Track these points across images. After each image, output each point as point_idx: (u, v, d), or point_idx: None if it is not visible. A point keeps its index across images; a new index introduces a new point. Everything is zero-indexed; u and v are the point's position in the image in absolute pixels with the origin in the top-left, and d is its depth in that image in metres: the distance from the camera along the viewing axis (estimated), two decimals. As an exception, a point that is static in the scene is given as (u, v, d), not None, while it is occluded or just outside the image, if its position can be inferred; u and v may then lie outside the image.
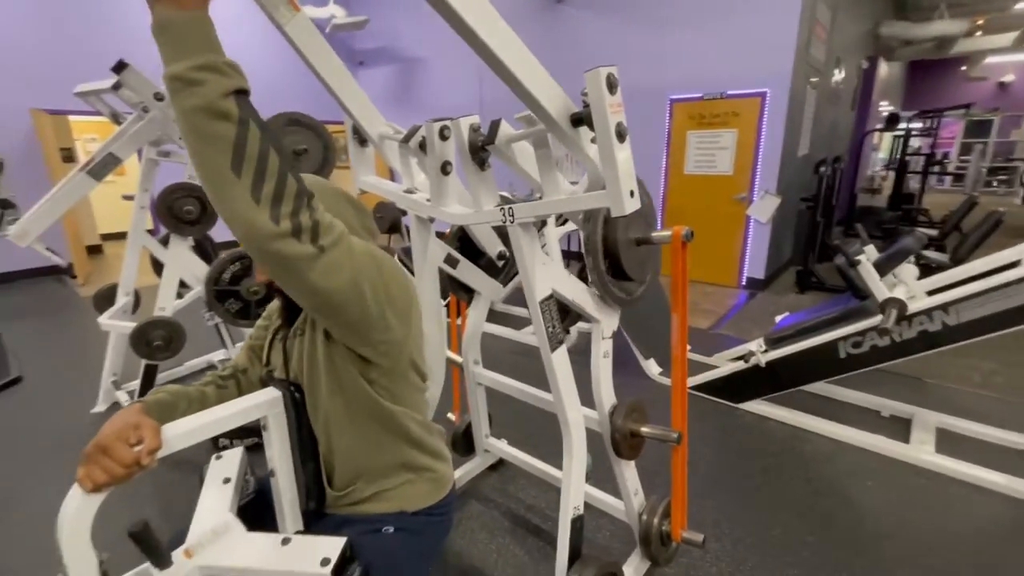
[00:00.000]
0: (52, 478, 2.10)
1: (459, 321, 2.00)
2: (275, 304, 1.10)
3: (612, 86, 0.88)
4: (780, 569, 1.65)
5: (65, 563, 0.68)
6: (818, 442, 2.34)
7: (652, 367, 2.99)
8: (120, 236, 2.64)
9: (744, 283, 4.91)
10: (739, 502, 1.96)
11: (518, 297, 1.29)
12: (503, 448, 1.98)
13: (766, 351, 2.47)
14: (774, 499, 1.98)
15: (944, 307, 2.06)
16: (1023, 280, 1.91)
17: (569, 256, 4.78)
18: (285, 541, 0.84)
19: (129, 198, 2.54)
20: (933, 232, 5.39)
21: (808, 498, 1.98)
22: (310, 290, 0.70)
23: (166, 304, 2.45)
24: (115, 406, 2.67)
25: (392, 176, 1.46)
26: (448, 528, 1.12)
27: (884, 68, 7.85)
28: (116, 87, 2.24)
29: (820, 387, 2.68)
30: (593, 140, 0.96)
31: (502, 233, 1.70)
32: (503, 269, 1.73)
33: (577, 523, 1.32)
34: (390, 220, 4.50)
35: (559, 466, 1.38)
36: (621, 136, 0.90)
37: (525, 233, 1.14)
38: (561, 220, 3.32)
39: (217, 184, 0.60)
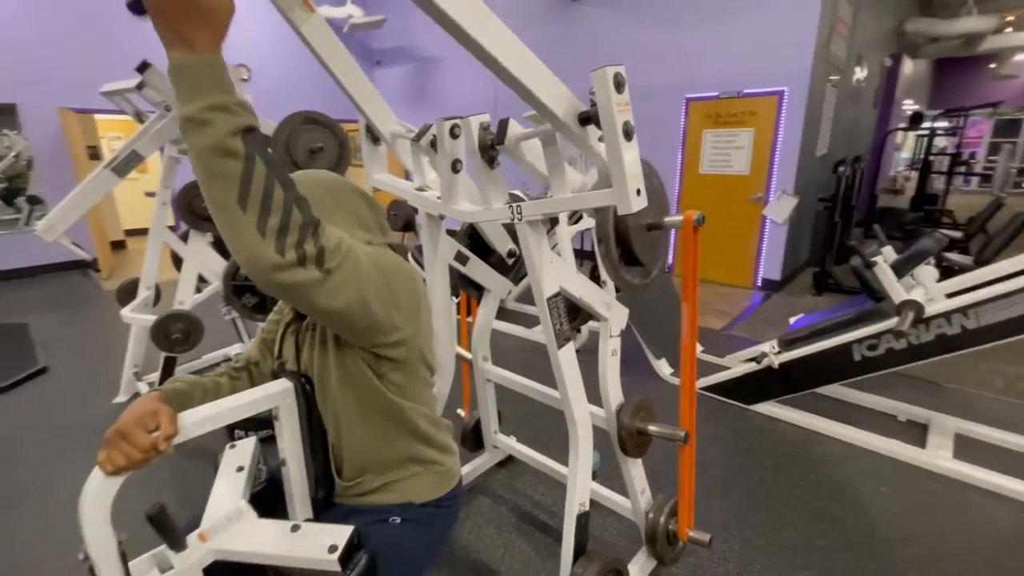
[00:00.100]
0: (76, 464, 2.18)
1: (470, 318, 2.02)
2: (288, 299, 1.13)
3: (619, 85, 0.88)
4: (789, 572, 1.64)
5: (86, 541, 0.71)
6: (831, 445, 2.31)
7: (663, 367, 2.98)
8: (143, 232, 2.71)
9: (759, 284, 4.85)
10: (749, 503, 1.95)
11: (530, 296, 1.30)
12: (512, 444, 2.00)
13: (779, 353, 2.45)
14: (784, 501, 1.96)
15: (963, 310, 2.01)
16: (1046, 283, 1.86)
17: (582, 256, 4.76)
18: (295, 528, 0.86)
19: (151, 195, 2.61)
20: (957, 234, 5.26)
21: (819, 501, 1.96)
22: (317, 310, 0.74)
23: (185, 298, 2.51)
24: (136, 397, 2.75)
25: (407, 175, 1.49)
26: (454, 520, 1.14)
27: (909, 66, 7.68)
28: (140, 87, 2.30)
29: (834, 390, 2.65)
30: (600, 139, 0.96)
31: (512, 231, 1.72)
32: (513, 267, 1.75)
33: (582, 519, 1.33)
34: (404, 218, 4.55)
35: (567, 463, 1.39)
36: (628, 135, 0.91)
37: (533, 231, 1.15)
38: (574, 219, 3.33)
39: (225, 217, 0.62)
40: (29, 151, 5.29)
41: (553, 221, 1.81)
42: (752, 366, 2.57)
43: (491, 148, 1.15)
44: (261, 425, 1.98)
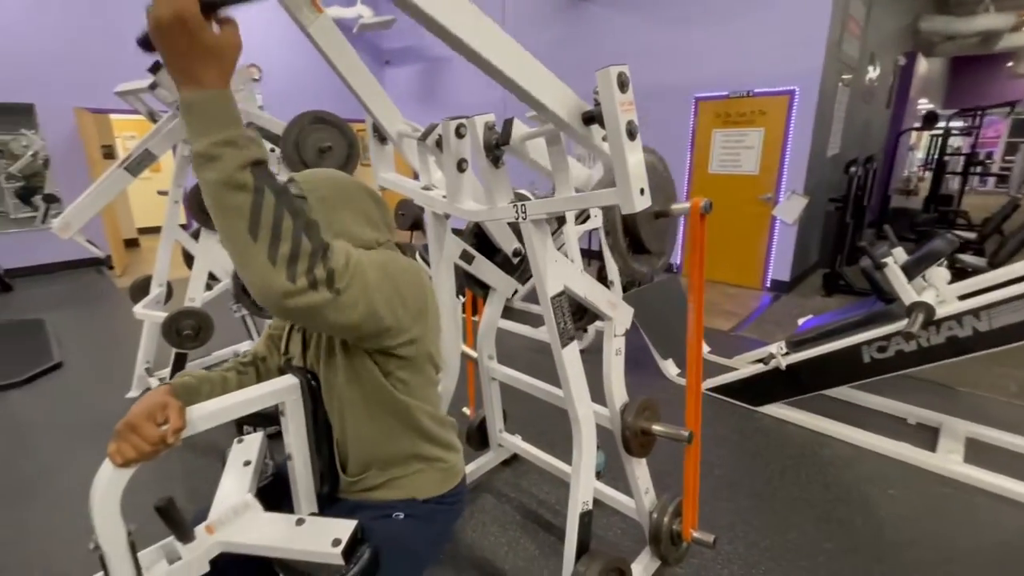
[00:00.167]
0: (89, 457, 2.22)
1: (475, 317, 2.03)
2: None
3: (623, 84, 0.89)
4: (795, 574, 1.63)
5: (96, 531, 0.73)
6: (839, 447, 2.29)
7: (670, 368, 2.97)
8: (156, 230, 2.76)
9: (768, 285, 4.81)
10: (754, 505, 1.94)
11: (536, 295, 1.31)
12: (517, 443, 2.00)
13: (787, 354, 2.43)
14: (791, 503, 1.95)
15: (975, 312, 1.99)
16: (1061, 285, 1.83)
17: (589, 255, 4.75)
18: (299, 522, 0.88)
19: (164, 193, 2.65)
20: (972, 235, 5.19)
21: (826, 503, 1.94)
22: (329, 327, 0.78)
23: (196, 295, 2.55)
24: (147, 392, 2.80)
25: (416, 176, 1.51)
26: (457, 517, 1.14)
27: (923, 64, 7.56)
28: (152, 87, 2.33)
29: (843, 392, 2.62)
30: (604, 138, 0.97)
31: (517, 230, 1.72)
32: (518, 266, 1.75)
33: (585, 518, 1.33)
34: (412, 217, 4.58)
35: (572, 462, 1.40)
36: (632, 134, 0.91)
37: (537, 230, 1.16)
38: (581, 218, 3.33)
39: (237, 248, 0.64)
40: (46, 150, 5.38)
41: (560, 220, 1.82)
42: (759, 367, 2.55)
43: (496, 148, 1.16)
44: (269, 421, 2.00)
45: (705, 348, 3.19)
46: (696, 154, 4.94)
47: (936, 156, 6.79)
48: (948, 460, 2.12)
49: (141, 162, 2.39)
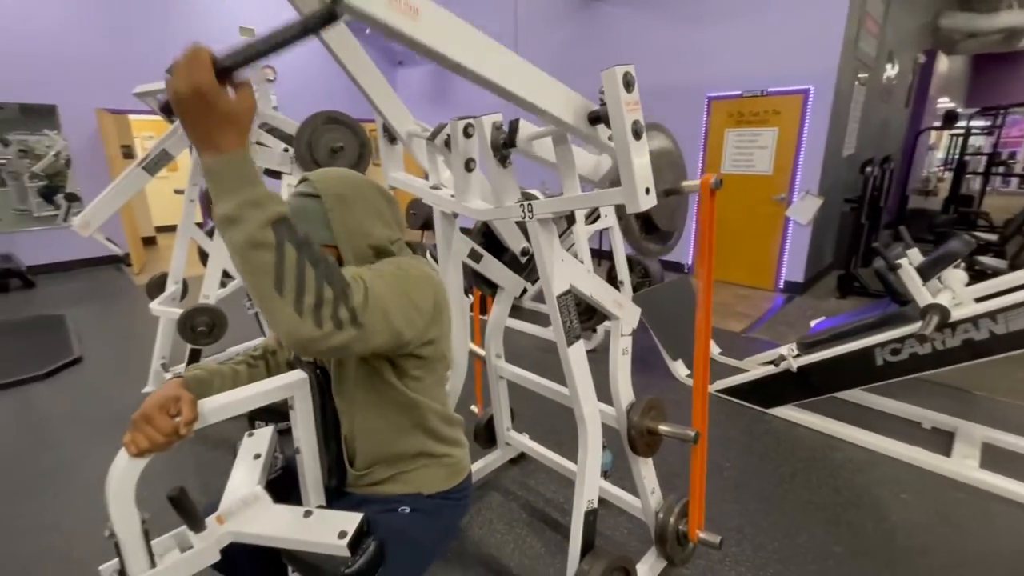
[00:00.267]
0: (106, 450, 2.27)
1: (484, 316, 2.04)
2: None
3: (629, 84, 0.89)
4: (802, 577, 1.62)
5: (112, 519, 0.75)
6: (850, 451, 2.26)
7: (680, 369, 2.95)
8: (173, 228, 2.81)
9: (781, 286, 4.76)
10: (763, 507, 1.93)
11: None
12: (524, 442, 2.01)
13: (798, 356, 2.40)
14: (801, 506, 1.93)
15: (992, 315, 1.95)
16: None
17: (600, 255, 4.72)
18: (307, 514, 0.89)
19: (180, 192, 2.70)
20: (993, 237, 5.07)
21: (837, 507, 1.92)
22: (356, 355, 0.82)
23: (210, 292, 2.60)
24: (164, 387, 2.86)
25: (426, 175, 1.53)
26: (463, 512, 1.16)
27: (944, 62, 7.42)
28: (170, 88, 2.38)
29: (855, 395, 2.59)
30: (610, 138, 0.97)
31: (525, 229, 1.73)
32: (526, 265, 1.76)
33: (590, 516, 1.33)
34: (423, 217, 4.61)
35: (577, 461, 1.40)
36: (637, 134, 0.91)
37: (543, 229, 1.17)
38: (591, 218, 3.31)
39: (265, 303, 0.67)
40: (68, 150, 5.52)
41: (570, 220, 1.82)
42: (770, 369, 2.53)
43: (503, 147, 1.17)
44: (280, 417, 2.04)
45: (716, 349, 3.16)
46: (708, 154, 4.90)
47: (956, 156, 6.65)
48: (963, 465, 2.08)
49: (158, 162, 2.44)
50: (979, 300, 2.09)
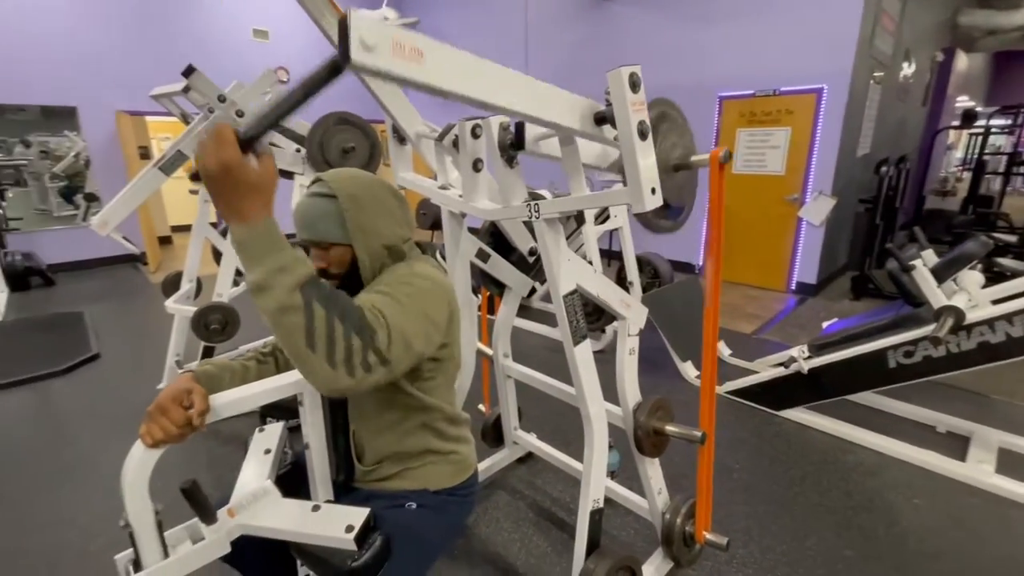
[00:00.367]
0: (123, 445, 2.32)
1: (491, 315, 2.05)
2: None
3: (635, 85, 0.89)
4: (811, 581, 1.60)
5: (127, 509, 0.78)
6: (862, 454, 2.23)
7: (689, 370, 2.93)
8: (188, 228, 2.86)
9: (794, 288, 4.71)
10: (772, 510, 1.91)
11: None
12: (531, 441, 2.02)
13: (809, 358, 2.38)
14: (810, 509, 1.91)
15: (1008, 317, 1.92)
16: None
17: (610, 256, 4.70)
18: (315, 508, 0.91)
19: (195, 192, 2.75)
20: (1012, 238, 4.97)
21: (848, 511, 1.90)
22: (383, 386, 0.83)
23: (223, 291, 2.64)
24: (178, 383, 2.91)
25: (434, 176, 1.54)
26: (469, 509, 1.17)
27: (963, 60, 7.28)
28: (186, 90, 2.43)
29: (868, 398, 2.55)
30: (616, 138, 0.97)
31: (533, 229, 1.74)
32: (534, 265, 1.77)
33: (596, 515, 1.34)
34: (432, 217, 4.63)
35: (583, 460, 1.40)
36: (643, 134, 0.92)
37: (550, 228, 1.17)
38: (601, 219, 3.30)
39: (299, 360, 0.71)
40: (87, 151, 5.64)
41: (579, 220, 1.82)
42: (780, 371, 2.51)
43: (510, 148, 1.18)
44: (291, 415, 2.07)
45: (726, 351, 3.14)
46: (720, 154, 4.86)
47: (976, 155, 6.52)
48: (979, 470, 2.05)
49: (174, 162, 2.49)
50: (996, 302, 2.06)
